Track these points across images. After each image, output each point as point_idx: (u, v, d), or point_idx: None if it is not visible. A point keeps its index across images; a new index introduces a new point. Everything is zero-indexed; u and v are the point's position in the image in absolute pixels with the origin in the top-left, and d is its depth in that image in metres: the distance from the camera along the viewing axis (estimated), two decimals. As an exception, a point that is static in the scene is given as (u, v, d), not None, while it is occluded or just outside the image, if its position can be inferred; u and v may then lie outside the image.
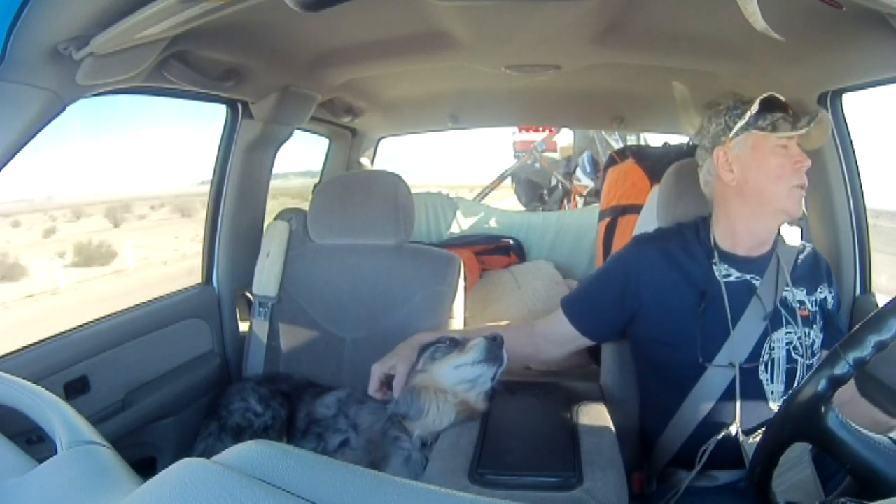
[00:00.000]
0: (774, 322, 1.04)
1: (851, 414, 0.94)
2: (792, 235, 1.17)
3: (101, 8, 0.78)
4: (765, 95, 1.08)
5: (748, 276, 1.07)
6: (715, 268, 1.07)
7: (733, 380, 1.01)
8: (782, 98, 1.06)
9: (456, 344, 1.12)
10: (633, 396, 1.18)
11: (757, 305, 1.04)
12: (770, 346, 1.03)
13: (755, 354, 1.03)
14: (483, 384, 1.07)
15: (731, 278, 1.07)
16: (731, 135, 1.08)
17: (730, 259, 1.09)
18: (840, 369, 0.63)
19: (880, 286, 1.47)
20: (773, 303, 1.05)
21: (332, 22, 1.16)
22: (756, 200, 1.06)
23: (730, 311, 1.04)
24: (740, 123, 1.08)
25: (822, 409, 0.63)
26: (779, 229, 1.12)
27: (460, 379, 1.06)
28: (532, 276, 2.15)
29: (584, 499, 0.79)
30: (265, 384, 1.33)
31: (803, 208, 1.37)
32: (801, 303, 1.07)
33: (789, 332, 1.05)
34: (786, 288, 1.07)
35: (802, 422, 0.65)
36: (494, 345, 1.07)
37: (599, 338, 1.20)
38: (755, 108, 1.08)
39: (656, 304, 1.09)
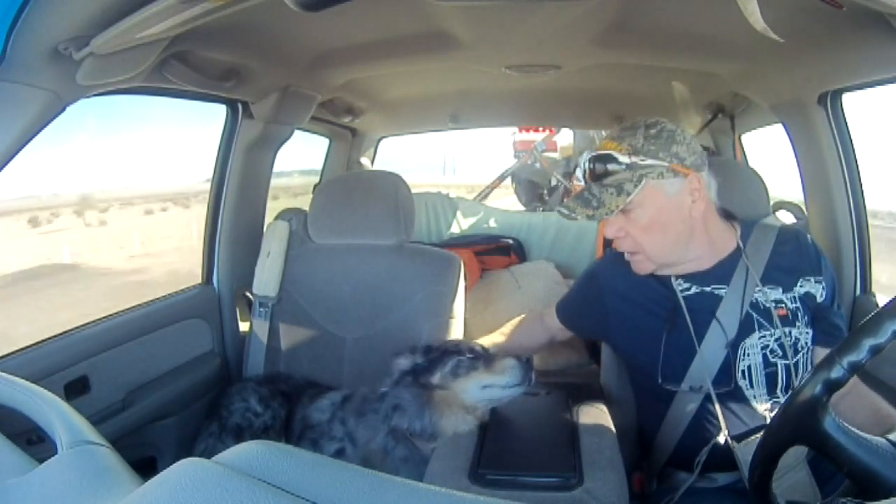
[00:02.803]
0: (746, 328, 1.00)
1: (853, 404, 0.94)
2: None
3: (101, 8, 0.78)
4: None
5: (708, 289, 1.03)
6: (674, 282, 1.05)
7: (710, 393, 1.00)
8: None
9: (477, 357, 1.07)
10: (633, 396, 1.18)
11: (721, 319, 1.01)
12: (744, 353, 1.00)
13: (726, 368, 1.00)
14: (502, 401, 1.06)
15: (691, 291, 1.04)
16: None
17: (686, 276, 1.05)
18: (836, 373, 0.64)
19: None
20: (741, 311, 1.01)
21: (332, 22, 1.16)
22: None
23: (693, 327, 1.00)
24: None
25: (819, 412, 0.64)
26: (722, 228, 1.06)
27: (486, 398, 1.04)
28: (532, 277, 2.14)
29: (584, 499, 0.79)
30: (265, 384, 1.33)
31: (802, 208, 1.35)
32: (778, 302, 1.02)
33: (763, 336, 1.01)
34: (756, 289, 1.02)
35: (799, 426, 0.66)
36: (528, 367, 1.04)
37: (586, 336, 1.28)
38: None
39: (622, 324, 1.09)
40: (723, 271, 1.04)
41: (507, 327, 1.30)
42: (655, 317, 1.04)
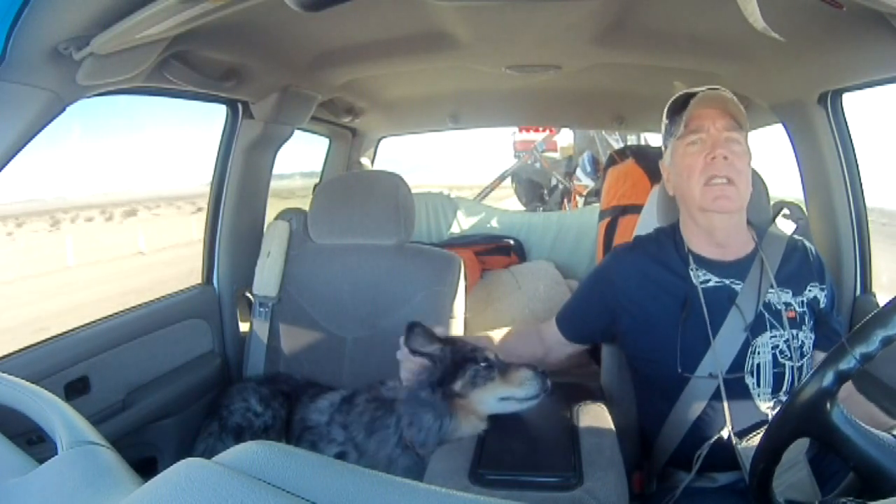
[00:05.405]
0: (758, 327, 1.02)
1: (851, 411, 0.94)
2: (787, 230, 1.15)
3: (102, 8, 0.78)
4: (671, 100, 1.09)
5: (727, 281, 1.05)
6: (692, 273, 1.06)
7: (719, 387, 1.00)
8: (698, 90, 1.03)
9: (491, 365, 1.04)
10: (633, 396, 1.18)
11: (737, 313, 1.03)
12: (754, 351, 1.02)
13: (739, 361, 1.01)
14: (517, 412, 1.04)
15: (710, 284, 1.05)
16: (664, 150, 1.13)
17: (707, 264, 1.07)
18: (846, 364, 0.62)
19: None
20: (755, 308, 1.03)
21: (332, 22, 1.16)
22: (684, 204, 1.09)
23: (709, 319, 1.02)
24: (662, 136, 1.12)
25: (828, 404, 0.63)
26: (746, 227, 1.09)
27: (503, 409, 1.02)
28: (532, 277, 2.15)
29: (584, 499, 0.79)
30: (266, 384, 1.33)
31: (801, 207, 1.35)
32: (787, 304, 1.04)
33: (774, 336, 1.02)
34: (770, 290, 1.04)
35: (806, 417, 0.64)
36: (544, 377, 1.02)
37: (590, 342, 1.25)
38: (664, 118, 1.10)
39: (636, 317, 1.09)
40: (740, 268, 1.07)
41: (502, 332, 1.29)
42: (669, 307, 1.05)
